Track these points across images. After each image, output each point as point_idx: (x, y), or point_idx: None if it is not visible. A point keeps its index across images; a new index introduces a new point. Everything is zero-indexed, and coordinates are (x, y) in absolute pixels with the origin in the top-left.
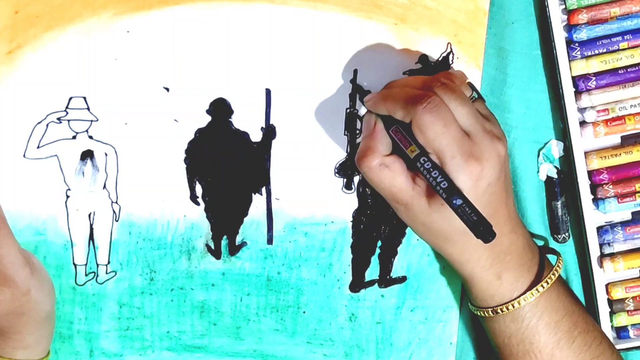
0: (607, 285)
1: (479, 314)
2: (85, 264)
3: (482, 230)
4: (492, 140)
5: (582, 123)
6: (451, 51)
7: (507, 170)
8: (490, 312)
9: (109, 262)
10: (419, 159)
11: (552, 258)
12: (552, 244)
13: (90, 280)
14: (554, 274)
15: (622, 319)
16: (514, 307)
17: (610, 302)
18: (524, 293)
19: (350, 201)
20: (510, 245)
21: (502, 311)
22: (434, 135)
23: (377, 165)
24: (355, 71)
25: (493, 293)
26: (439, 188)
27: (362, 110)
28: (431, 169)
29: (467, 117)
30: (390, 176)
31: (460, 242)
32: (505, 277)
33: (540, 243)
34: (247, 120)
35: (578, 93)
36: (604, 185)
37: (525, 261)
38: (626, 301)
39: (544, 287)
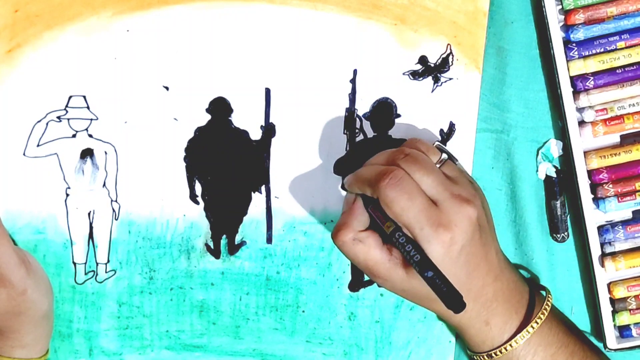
0: (608, 285)
1: (475, 358)
2: (85, 263)
3: (453, 300)
4: (460, 204)
5: (581, 123)
6: (450, 52)
7: (482, 227)
8: (485, 357)
9: (108, 261)
10: (394, 234)
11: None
12: (552, 243)
13: (89, 279)
14: (543, 313)
15: (624, 318)
16: (506, 349)
17: (613, 301)
18: (515, 335)
19: None
20: (495, 292)
21: (496, 355)
22: (400, 210)
23: (350, 240)
24: (355, 71)
25: (484, 339)
26: (412, 261)
27: (362, 110)
28: (405, 243)
29: (433, 186)
30: (365, 250)
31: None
32: (493, 323)
33: (528, 275)
34: (246, 119)
35: (576, 93)
36: (604, 185)
37: (512, 304)
38: (628, 300)
39: (533, 328)
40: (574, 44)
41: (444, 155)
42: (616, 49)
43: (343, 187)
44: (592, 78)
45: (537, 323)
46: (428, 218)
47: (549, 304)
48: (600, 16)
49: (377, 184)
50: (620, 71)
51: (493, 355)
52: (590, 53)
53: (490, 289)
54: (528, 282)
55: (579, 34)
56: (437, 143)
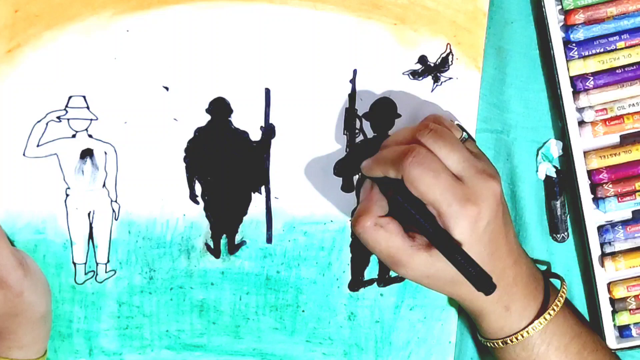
0: (608, 285)
1: (489, 345)
2: (85, 263)
3: (482, 282)
4: (486, 180)
5: (581, 123)
6: (450, 52)
7: (504, 205)
8: (500, 343)
9: (108, 261)
10: (419, 216)
11: (556, 282)
12: (552, 243)
13: (89, 279)
14: (559, 300)
15: (624, 318)
16: (523, 336)
17: (612, 301)
18: (532, 322)
19: (350, 201)
20: (515, 276)
21: (512, 341)
22: (425, 188)
23: (371, 226)
24: (355, 71)
25: (502, 325)
26: (438, 244)
27: (361, 110)
28: (430, 225)
29: (458, 162)
30: (387, 237)
31: (466, 285)
32: (513, 308)
33: (543, 268)
34: (246, 119)
35: (576, 93)
36: (604, 185)
37: (530, 290)
38: (628, 300)
39: (551, 315)
40: (573, 44)
41: (465, 134)
42: (616, 49)
43: (362, 176)
44: (592, 78)
45: (554, 310)
46: (454, 194)
47: (564, 293)
48: (600, 16)
49: (401, 163)
50: (620, 71)
51: (509, 341)
52: (590, 53)
53: (511, 272)
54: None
55: (579, 34)
56: (457, 122)
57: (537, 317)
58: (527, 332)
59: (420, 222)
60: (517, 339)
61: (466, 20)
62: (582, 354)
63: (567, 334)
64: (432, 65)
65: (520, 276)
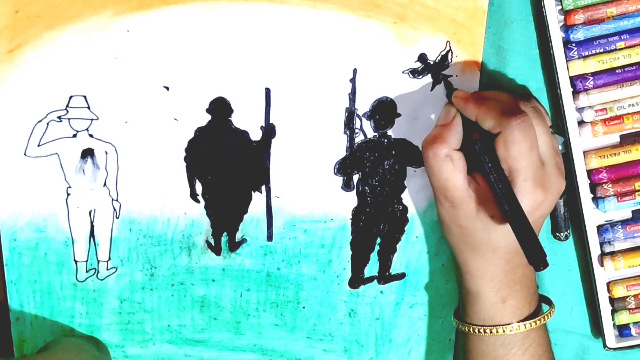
0: (608, 284)
1: (468, 330)
2: (86, 261)
3: (537, 256)
4: (559, 176)
5: (581, 123)
6: (450, 49)
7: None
8: (483, 330)
9: (109, 259)
10: (498, 172)
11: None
12: (552, 243)
13: (91, 276)
14: (549, 314)
15: (624, 317)
16: (511, 330)
17: (612, 300)
18: (522, 321)
19: (350, 199)
20: (522, 277)
21: (496, 332)
22: (517, 153)
23: (443, 154)
24: (355, 70)
25: (493, 314)
26: (507, 204)
27: (361, 110)
28: (506, 184)
29: (547, 147)
30: (451, 170)
31: (484, 257)
32: (509, 303)
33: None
34: (246, 119)
35: (576, 93)
36: (604, 184)
37: (529, 294)
38: (627, 299)
39: (539, 322)
40: (573, 44)
41: (552, 129)
42: (616, 49)
43: (449, 99)
44: (591, 78)
45: (543, 320)
46: (535, 174)
47: (553, 311)
48: (600, 16)
49: (507, 119)
50: (620, 71)
51: (493, 331)
52: (590, 53)
53: (520, 271)
54: None
55: (579, 34)
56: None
57: (526, 319)
58: (517, 327)
59: (497, 179)
60: (503, 331)
61: (466, 18)
62: None
63: (543, 346)
64: (431, 63)
65: (525, 278)
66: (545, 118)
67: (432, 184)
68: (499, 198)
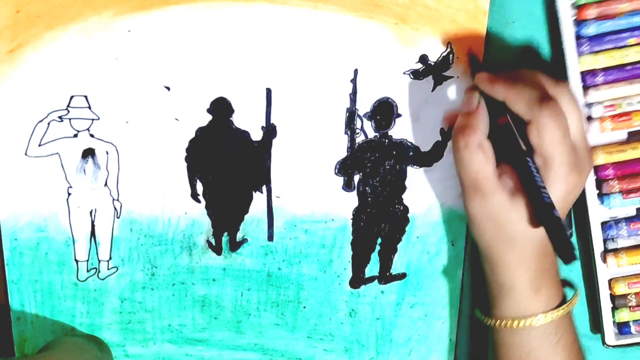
0: (609, 281)
1: (497, 324)
2: (87, 260)
3: (566, 250)
4: (589, 160)
5: (589, 118)
6: (451, 50)
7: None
8: (517, 323)
9: (110, 258)
10: (530, 156)
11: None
12: None
13: (91, 276)
14: (576, 297)
15: (624, 315)
16: (545, 320)
17: (613, 297)
18: (554, 309)
19: (351, 199)
20: (552, 264)
21: (531, 323)
22: (550, 139)
23: (475, 144)
24: (356, 71)
25: (528, 305)
26: (545, 193)
27: (362, 110)
28: (536, 173)
29: (578, 133)
30: (483, 161)
31: (520, 248)
32: (542, 292)
33: None
34: (247, 119)
35: (585, 88)
36: (609, 181)
37: (557, 281)
38: (628, 297)
39: (568, 308)
40: (584, 39)
41: None
42: (627, 46)
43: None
44: (601, 74)
45: (570, 306)
46: (570, 159)
47: (578, 295)
48: (612, 12)
49: (540, 107)
50: (630, 68)
51: (529, 323)
52: (600, 49)
53: (550, 259)
54: None
55: (591, 30)
56: None
57: (559, 306)
58: (551, 316)
59: (527, 166)
60: (538, 322)
61: (467, 19)
62: (579, 355)
63: (572, 334)
64: (432, 64)
65: (553, 266)
66: (576, 102)
67: (461, 177)
68: (528, 186)
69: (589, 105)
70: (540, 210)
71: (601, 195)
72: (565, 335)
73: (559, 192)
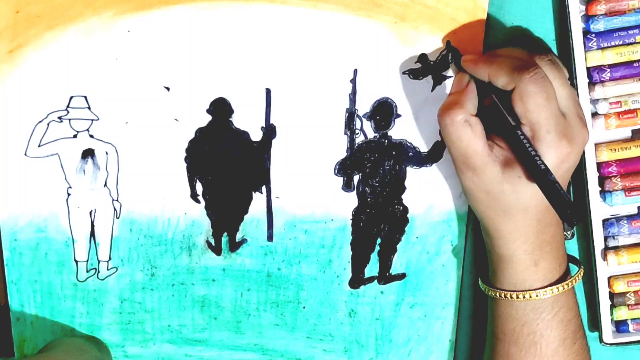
0: (609, 279)
1: (497, 295)
2: (87, 261)
3: (569, 211)
4: (583, 127)
5: (594, 114)
6: (451, 49)
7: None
8: (516, 296)
9: (110, 259)
10: (519, 129)
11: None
12: None
13: (91, 276)
14: (578, 276)
15: (622, 313)
16: (544, 294)
17: (612, 295)
18: (553, 284)
19: (350, 200)
20: (553, 237)
21: (529, 297)
22: (534, 106)
23: (461, 120)
24: (355, 71)
25: (526, 278)
26: (539, 160)
27: (361, 110)
28: (527, 142)
29: (567, 99)
30: (470, 136)
31: (516, 219)
32: (541, 265)
33: None
34: (247, 119)
35: (591, 84)
36: (612, 178)
37: (559, 256)
38: (627, 295)
39: (570, 285)
40: (592, 35)
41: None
42: (635, 42)
43: (459, 68)
44: (608, 70)
45: (572, 284)
46: (557, 124)
47: (581, 273)
48: (622, 8)
49: (520, 74)
50: (638, 65)
51: (525, 296)
52: (608, 45)
53: (551, 230)
54: None
55: (599, 25)
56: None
57: (558, 282)
58: (550, 291)
59: (518, 137)
60: (536, 296)
61: (466, 18)
62: (576, 334)
63: (572, 311)
64: (432, 63)
65: (555, 239)
66: (562, 70)
67: (452, 153)
68: (522, 157)
69: (595, 101)
70: (537, 177)
71: (603, 193)
72: (563, 311)
73: (550, 160)
